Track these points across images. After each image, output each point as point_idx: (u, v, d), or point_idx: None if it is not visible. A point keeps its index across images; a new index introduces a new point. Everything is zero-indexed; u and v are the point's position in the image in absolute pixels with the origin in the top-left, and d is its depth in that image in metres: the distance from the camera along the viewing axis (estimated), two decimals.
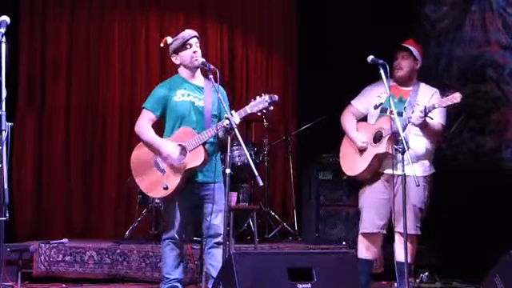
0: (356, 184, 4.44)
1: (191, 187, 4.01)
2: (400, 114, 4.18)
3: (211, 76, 4.00)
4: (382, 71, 4.12)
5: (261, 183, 3.56)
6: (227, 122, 3.74)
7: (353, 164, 4.33)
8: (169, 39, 4.13)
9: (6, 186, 3.06)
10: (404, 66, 4.34)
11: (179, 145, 3.95)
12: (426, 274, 5.51)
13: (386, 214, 4.27)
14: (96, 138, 6.62)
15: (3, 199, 3.04)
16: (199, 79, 4.15)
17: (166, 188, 3.93)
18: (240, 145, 3.85)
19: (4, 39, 3.14)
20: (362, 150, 4.28)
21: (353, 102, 4.50)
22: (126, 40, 6.79)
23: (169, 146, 3.96)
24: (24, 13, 6.35)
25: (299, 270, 3.39)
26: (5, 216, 3.06)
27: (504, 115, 5.77)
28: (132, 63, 6.79)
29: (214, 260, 3.96)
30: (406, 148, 3.88)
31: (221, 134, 3.96)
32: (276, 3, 7.43)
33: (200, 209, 4.04)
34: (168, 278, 4.06)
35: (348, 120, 4.44)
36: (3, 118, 3.11)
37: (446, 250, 5.56)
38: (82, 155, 6.53)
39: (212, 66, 3.99)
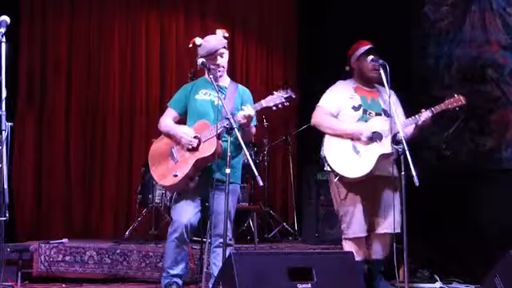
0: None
1: (205, 183, 4.00)
2: (379, 115, 4.28)
3: (211, 76, 4.00)
4: (382, 71, 4.12)
5: (261, 183, 3.56)
6: (227, 122, 3.75)
7: (354, 165, 4.24)
8: (197, 40, 4.14)
9: (6, 186, 3.06)
10: (378, 68, 4.32)
11: (195, 137, 4.00)
12: (426, 273, 5.51)
13: (369, 217, 4.32)
14: (96, 138, 6.62)
15: (3, 199, 3.04)
16: (225, 80, 4.19)
17: (176, 176, 3.98)
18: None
19: (4, 39, 3.14)
20: (358, 151, 4.24)
21: (323, 104, 4.41)
22: (126, 40, 6.79)
23: (183, 128, 4.06)
24: (24, 13, 6.35)
25: (299, 270, 3.39)
26: (5, 216, 3.06)
27: (504, 115, 5.77)
28: (132, 63, 6.79)
29: (219, 260, 3.94)
30: (407, 149, 3.88)
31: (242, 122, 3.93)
32: (276, 3, 7.44)
33: (210, 207, 4.04)
34: (169, 273, 4.05)
35: (332, 120, 4.34)
36: (3, 118, 3.11)
37: (446, 250, 5.56)
38: (82, 155, 6.53)
39: (212, 66, 4.01)
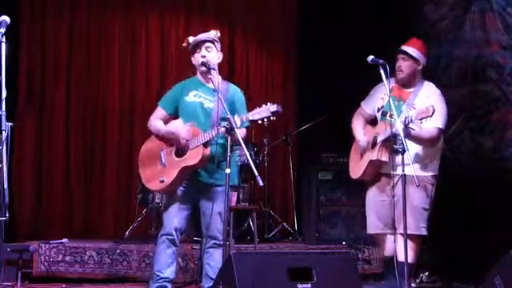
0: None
1: (195, 186, 4.02)
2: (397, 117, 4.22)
3: (211, 76, 4.01)
4: (382, 71, 4.12)
5: (261, 183, 3.57)
6: (227, 122, 3.75)
7: (355, 167, 4.42)
8: (190, 39, 4.13)
9: (6, 186, 3.06)
10: (404, 68, 4.33)
11: (187, 140, 3.97)
12: (426, 273, 5.51)
13: (388, 215, 4.26)
14: (96, 137, 6.63)
15: (3, 199, 3.05)
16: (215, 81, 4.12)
17: (162, 181, 3.98)
18: (240, 145, 3.83)
19: (4, 39, 3.14)
20: (363, 154, 4.32)
21: (362, 103, 4.52)
22: (126, 40, 6.80)
23: (176, 124, 4.03)
24: (24, 13, 6.36)
25: (299, 270, 3.39)
26: (5, 216, 3.06)
27: (504, 115, 5.76)
28: (132, 63, 6.80)
29: (213, 260, 3.99)
30: (406, 148, 3.86)
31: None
32: (276, 3, 7.44)
33: (201, 209, 4.05)
34: (159, 276, 4.00)
35: (356, 122, 4.47)
36: (3, 118, 3.11)
37: (446, 250, 5.55)
38: (81, 155, 6.54)
39: (212, 66, 4.00)
